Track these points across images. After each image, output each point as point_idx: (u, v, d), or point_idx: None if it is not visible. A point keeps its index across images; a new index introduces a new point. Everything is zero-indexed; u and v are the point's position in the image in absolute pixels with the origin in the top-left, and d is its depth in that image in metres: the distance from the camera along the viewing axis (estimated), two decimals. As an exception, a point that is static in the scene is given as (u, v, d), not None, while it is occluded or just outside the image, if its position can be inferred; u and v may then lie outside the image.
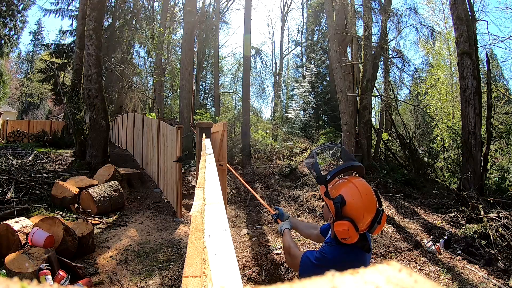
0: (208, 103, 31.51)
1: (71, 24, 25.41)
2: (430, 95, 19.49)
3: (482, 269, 5.52)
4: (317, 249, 1.81)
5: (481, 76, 9.86)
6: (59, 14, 25.16)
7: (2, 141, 19.72)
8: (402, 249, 6.27)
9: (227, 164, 5.34)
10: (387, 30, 13.51)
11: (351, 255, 1.67)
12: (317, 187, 9.98)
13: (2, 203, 6.88)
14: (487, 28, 18.66)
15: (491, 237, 6.10)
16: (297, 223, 2.41)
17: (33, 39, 44.50)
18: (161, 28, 23.24)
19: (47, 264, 4.19)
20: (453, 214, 7.69)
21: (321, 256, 1.69)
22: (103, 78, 11.70)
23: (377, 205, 1.64)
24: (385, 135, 14.89)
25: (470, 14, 9.49)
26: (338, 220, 1.59)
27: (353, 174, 1.88)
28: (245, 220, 7.99)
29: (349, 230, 1.56)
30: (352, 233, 1.56)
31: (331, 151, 13.81)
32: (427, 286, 0.29)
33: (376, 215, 1.62)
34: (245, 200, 9.67)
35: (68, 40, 25.75)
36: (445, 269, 5.48)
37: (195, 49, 20.84)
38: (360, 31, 14.62)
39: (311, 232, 2.30)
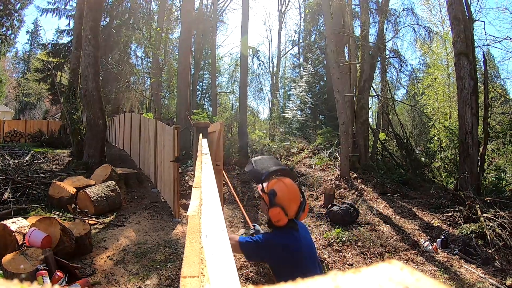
0: (206, 103, 31.49)
1: (68, 24, 25.40)
2: (427, 95, 19.55)
3: (479, 268, 5.54)
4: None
5: (478, 76, 9.89)
6: (56, 14, 25.09)
7: (-1, 141, 19.64)
8: (400, 248, 6.28)
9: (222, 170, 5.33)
10: (385, 30, 13.56)
11: (284, 233, 2.07)
12: (315, 187, 10.00)
13: (-2, 203, 6.85)
14: (484, 28, 18.75)
15: (488, 237, 6.12)
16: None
17: (30, 39, 44.28)
18: (158, 28, 23.19)
19: (44, 265, 4.18)
20: (450, 214, 7.72)
21: (260, 238, 2.09)
22: (100, 78, 11.66)
23: (301, 198, 2.10)
24: (382, 135, 14.94)
25: (467, 14, 9.51)
26: (272, 207, 2.02)
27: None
28: (242, 220, 7.98)
29: (279, 213, 2.00)
30: (282, 216, 2.01)
31: (329, 151, 13.85)
32: (429, 284, 0.29)
33: (300, 205, 2.08)
34: (242, 200, 9.66)
35: (65, 39, 25.77)
36: (442, 269, 5.50)
37: (192, 49, 20.84)
38: (357, 31, 14.69)
39: None
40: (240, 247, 2.07)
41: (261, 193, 2.14)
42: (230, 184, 5.37)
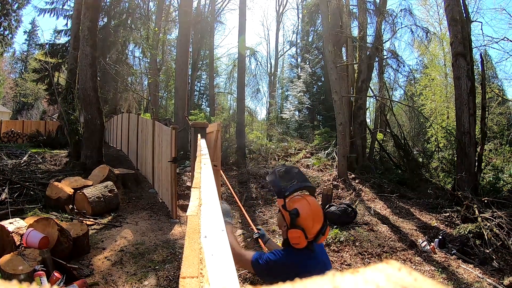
0: (203, 103, 31.47)
1: (66, 24, 25.36)
2: (424, 96, 19.61)
3: (477, 268, 5.56)
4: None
5: (476, 77, 9.93)
6: (54, 14, 25.00)
7: (-4, 142, 19.56)
8: (397, 248, 6.29)
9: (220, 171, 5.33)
10: (382, 31, 13.57)
11: (301, 254, 1.95)
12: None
13: (-4, 204, 6.82)
14: (481, 29, 18.88)
15: (486, 237, 6.14)
16: (270, 243, 2.64)
17: (28, 39, 44.21)
18: (156, 28, 23.17)
19: (42, 265, 4.17)
20: (448, 214, 7.73)
21: (271, 260, 1.96)
22: (98, 78, 11.63)
23: (323, 220, 1.96)
24: (379, 136, 14.95)
25: (464, 15, 9.55)
26: (292, 229, 1.90)
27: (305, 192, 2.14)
28: (240, 221, 7.98)
29: (300, 237, 1.88)
30: (302, 239, 1.89)
31: (326, 152, 13.86)
32: (426, 284, 0.29)
33: (322, 228, 1.95)
34: (240, 200, 9.66)
35: (63, 39, 25.67)
36: (440, 269, 5.51)
37: (190, 50, 20.80)
38: (355, 32, 14.66)
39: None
40: (252, 266, 1.98)
41: (281, 209, 2.00)
42: (229, 185, 5.37)
